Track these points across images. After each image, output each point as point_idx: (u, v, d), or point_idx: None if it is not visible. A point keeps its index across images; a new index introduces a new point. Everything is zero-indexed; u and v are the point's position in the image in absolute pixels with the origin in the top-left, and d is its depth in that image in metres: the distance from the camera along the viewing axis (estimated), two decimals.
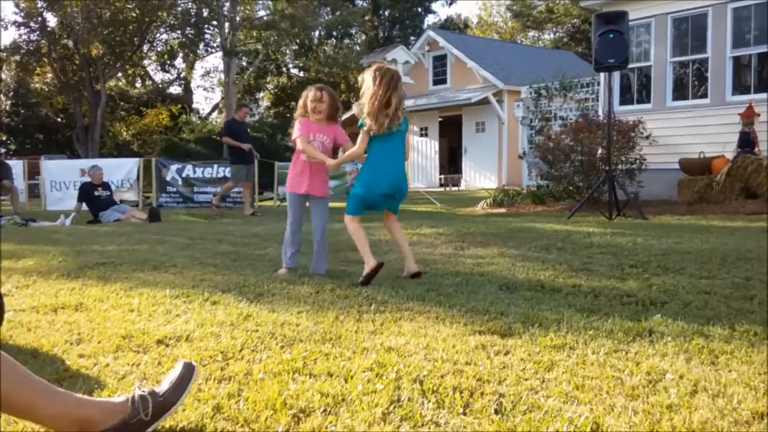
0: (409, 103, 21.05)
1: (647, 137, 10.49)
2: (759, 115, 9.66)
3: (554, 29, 41.46)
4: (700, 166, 10.11)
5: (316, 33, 34.08)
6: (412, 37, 34.50)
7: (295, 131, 4.40)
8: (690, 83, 11.11)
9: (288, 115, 36.17)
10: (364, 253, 4.05)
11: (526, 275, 4.17)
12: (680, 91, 11.15)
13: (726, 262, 4.40)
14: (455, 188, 21.43)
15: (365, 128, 4.07)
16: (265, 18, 27.81)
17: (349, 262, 4.89)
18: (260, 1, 28.84)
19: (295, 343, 2.60)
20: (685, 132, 10.67)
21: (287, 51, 33.37)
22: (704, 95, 10.73)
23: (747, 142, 9.56)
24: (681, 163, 10.38)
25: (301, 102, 4.48)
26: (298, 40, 31.25)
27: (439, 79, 23.83)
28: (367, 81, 4.08)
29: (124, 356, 2.46)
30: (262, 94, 38.01)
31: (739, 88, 10.40)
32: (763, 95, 9.88)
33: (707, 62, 10.65)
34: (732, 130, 9.82)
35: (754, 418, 1.80)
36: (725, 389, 2.00)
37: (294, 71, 36.06)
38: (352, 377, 2.16)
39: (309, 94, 4.44)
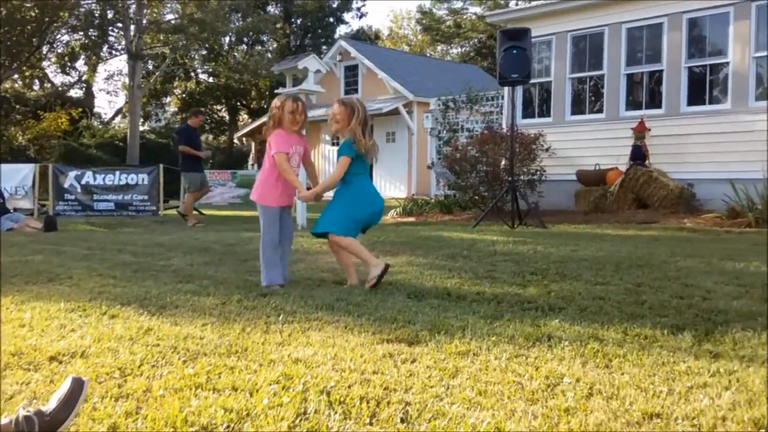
0: (320, 112, 21.03)
1: (547, 149, 10.95)
2: (650, 129, 10.30)
3: (462, 44, 42.66)
4: (595, 177, 10.66)
5: (227, 38, 33.45)
6: (324, 47, 34.51)
7: (275, 146, 4.24)
8: (587, 98, 11.71)
9: None
10: (367, 258, 4.20)
11: (434, 283, 4.24)
12: (578, 106, 11.73)
13: (619, 268, 4.65)
14: None
15: (352, 154, 4.15)
16: (173, 22, 27.03)
17: (257, 272, 4.81)
18: (168, 4, 27.98)
19: (198, 356, 2.52)
20: (582, 145, 11.23)
21: (196, 56, 32.55)
22: (600, 110, 11.33)
23: (639, 155, 10.17)
24: (578, 174, 10.90)
25: (275, 113, 4.31)
26: (207, 45, 30.55)
27: (351, 88, 23.95)
28: (341, 109, 4.18)
29: (14, 374, 2.31)
30: (168, 99, 36.86)
31: (632, 104, 11.06)
32: (654, 111, 10.54)
33: (603, 79, 11.26)
34: (625, 144, 10.42)
35: (645, 419, 1.90)
36: (618, 391, 2.11)
37: (203, 76, 35.21)
38: (257, 391, 2.12)
39: (285, 105, 4.29)
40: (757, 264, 4.78)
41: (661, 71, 10.56)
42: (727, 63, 9.85)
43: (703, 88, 10.26)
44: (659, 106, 10.58)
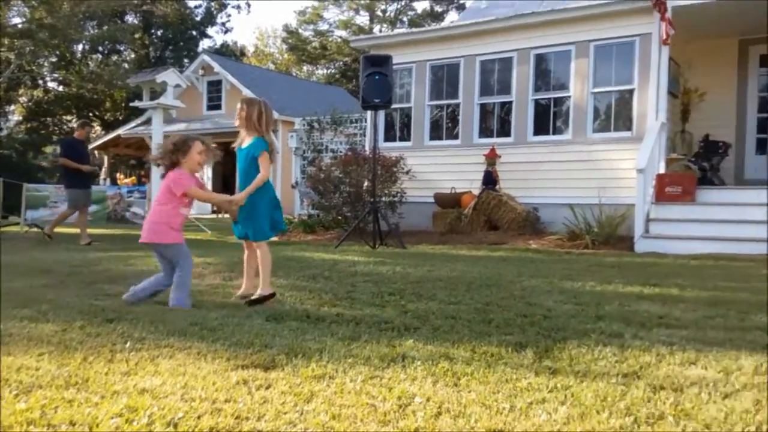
0: (181, 126, 20.33)
1: (407, 172, 11.31)
2: (500, 156, 10.94)
3: (327, 65, 43.11)
4: (451, 200, 11.15)
5: (80, 46, 31.46)
6: (186, 60, 33.44)
7: (181, 186, 4.18)
8: (444, 125, 12.24)
9: (43, 131, 32.64)
10: (267, 276, 4.39)
11: (293, 305, 4.22)
12: (436, 132, 12.23)
13: (471, 288, 4.88)
14: (227, 215, 20.97)
15: (267, 150, 4.35)
16: (20, 26, 25.02)
17: (104, 296, 4.53)
18: (15, 7, 25.85)
19: (33, 389, 2.33)
20: (440, 169, 11.71)
21: (45, 63, 30.29)
22: (456, 137, 11.88)
23: (490, 180, 10.77)
24: (436, 197, 11.35)
25: (177, 153, 4.24)
26: (57, 52, 28.55)
27: (214, 104, 23.41)
28: (251, 109, 4.40)
29: None
30: (12, 108, 33.90)
31: (485, 131, 11.70)
32: (504, 139, 11.22)
33: (459, 107, 11.84)
34: (478, 169, 10.99)
35: None
36: (465, 409, 2.20)
37: (52, 84, 32.79)
38: (97, 425, 1.99)
39: (194, 146, 4.25)
40: (593, 284, 5.20)
41: (510, 102, 11.29)
42: (569, 97, 10.72)
43: (547, 119, 11.08)
44: (509, 135, 11.28)
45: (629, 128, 10.10)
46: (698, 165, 9.83)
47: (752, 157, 11.05)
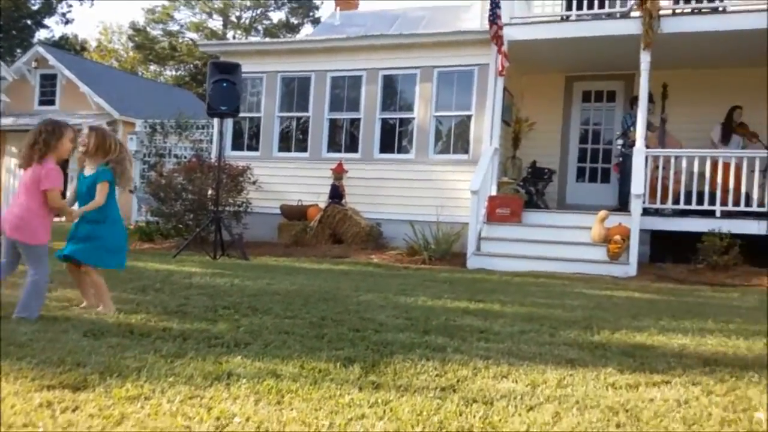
0: (8, 121, 18.55)
1: (254, 182, 11.14)
2: (347, 171, 11.12)
3: (177, 67, 41.42)
4: (298, 212, 11.14)
5: None
6: (19, 50, 30.59)
7: (52, 181, 3.96)
8: (294, 137, 12.22)
9: None
10: (107, 300, 4.28)
11: (117, 319, 3.99)
12: (285, 143, 12.18)
13: (308, 302, 4.90)
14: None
15: (111, 179, 4.25)
16: None
17: None
18: None
19: None
20: (288, 181, 11.67)
21: None
22: (305, 149, 11.91)
23: (336, 194, 10.91)
24: (282, 208, 11.28)
25: (46, 139, 3.99)
26: None
27: (47, 99, 21.58)
28: (100, 139, 4.28)
29: None
30: None
31: (333, 146, 11.83)
32: (351, 155, 11.41)
33: (309, 120, 11.88)
34: (325, 183, 11.10)
35: None
36: (284, 428, 2.20)
37: None
38: None
39: (65, 133, 4.08)
40: (425, 299, 5.43)
41: (359, 119, 11.53)
42: (414, 118, 11.15)
43: (393, 138, 11.44)
44: (356, 151, 11.51)
45: (467, 151, 10.71)
46: (526, 189, 10.62)
47: (573, 184, 12.14)
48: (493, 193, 10.06)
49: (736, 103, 10.18)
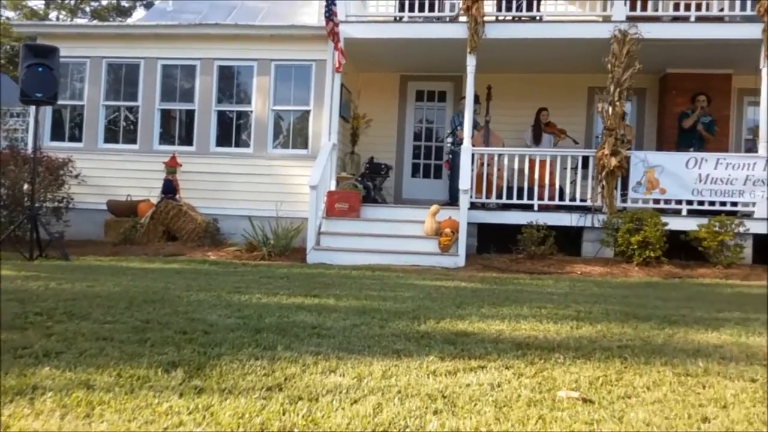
0: None
1: (77, 176, 10.35)
2: (181, 165, 10.67)
3: None
4: (127, 208, 10.51)
5: None
6: None
7: None
8: (122, 128, 11.50)
9: None
10: None
11: None
12: (112, 135, 11.42)
13: (132, 305, 4.63)
14: None
15: None
16: None
17: None
18: None
19: None
20: (115, 174, 10.97)
21: None
22: (134, 141, 11.25)
23: (170, 188, 10.43)
24: (109, 204, 10.59)
25: None
26: None
27: None
28: None
29: None
30: None
31: (166, 138, 11.30)
32: (186, 148, 10.96)
33: (138, 110, 11.23)
34: (158, 177, 10.58)
35: None
36: None
37: None
38: None
39: None
40: (260, 296, 5.35)
41: (193, 111, 11.10)
42: (251, 111, 10.94)
43: (230, 131, 11.15)
44: (191, 144, 11.08)
45: (306, 146, 10.72)
46: (364, 184, 10.84)
47: (409, 180, 12.59)
48: (333, 188, 10.16)
49: (551, 105, 11.12)
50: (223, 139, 11.09)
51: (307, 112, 10.72)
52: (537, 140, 10.93)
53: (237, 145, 11.10)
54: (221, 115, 11.14)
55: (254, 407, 2.45)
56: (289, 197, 10.27)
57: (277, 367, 3.06)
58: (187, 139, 11.20)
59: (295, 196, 10.19)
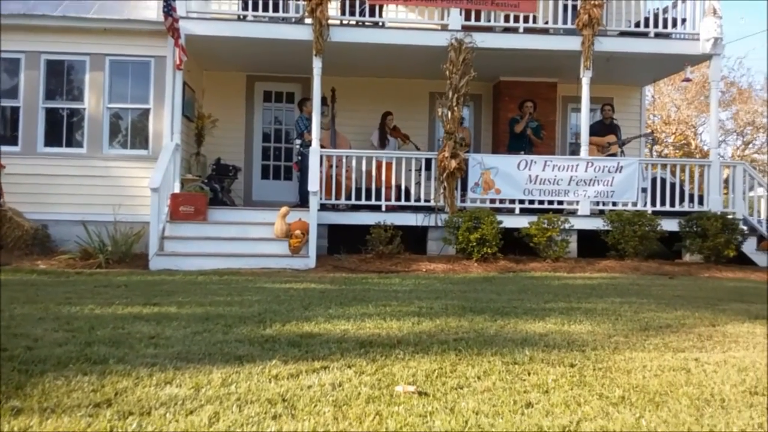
0: None
1: None
2: (5, 167, 9.75)
3: None
4: None
5: None
6: None
7: None
8: None
9: None
10: None
11: None
12: None
13: None
14: None
15: None
16: None
17: None
18: None
19: None
20: None
21: None
22: None
23: None
24: None
25: None
26: None
27: None
28: None
29: None
30: None
31: None
32: (10, 148, 10.01)
33: None
34: None
35: None
36: None
37: None
38: None
39: None
40: (92, 307, 5.03)
41: (18, 108, 10.18)
42: (85, 109, 10.23)
43: (61, 130, 10.35)
44: (16, 144, 10.15)
45: (146, 147, 10.22)
46: (211, 186, 10.54)
47: (258, 181, 12.42)
48: (177, 190, 9.76)
49: (395, 109, 11.47)
50: (52, 139, 10.26)
51: (147, 110, 10.21)
52: (383, 143, 11.23)
53: (69, 144, 10.32)
54: (51, 112, 10.31)
55: (78, 426, 2.30)
56: (129, 200, 9.72)
57: (107, 382, 2.90)
58: (12, 139, 10.23)
59: (136, 199, 9.67)
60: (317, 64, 9.78)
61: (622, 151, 11.28)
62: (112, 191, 9.87)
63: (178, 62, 9.47)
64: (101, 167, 10.07)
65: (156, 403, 2.61)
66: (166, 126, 9.92)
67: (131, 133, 10.39)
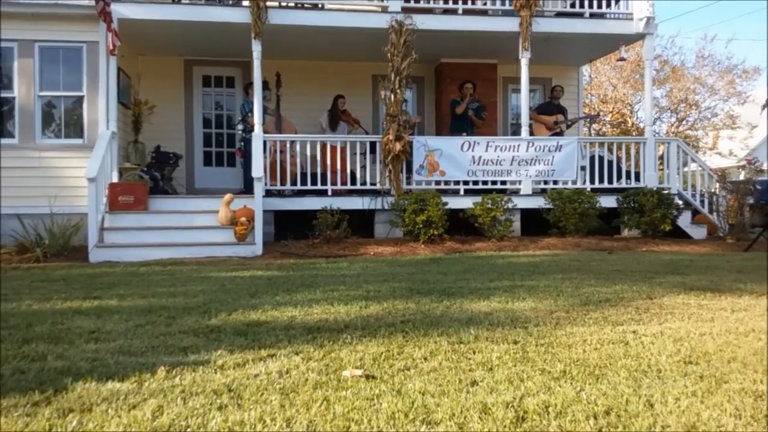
0: None
1: None
2: None
3: None
4: None
5: None
6: None
7: None
8: None
9: None
10: None
11: None
12: None
13: None
14: None
15: None
16: None
17: None
18: None
19: None
20: None
21: None
22: None
23: None
24: None
25: None
26: None
27: None
28: None
29: None
30: None
31: None
32: None
33: None
34: None
35: None
36: None
37: None
38: None
39: None
40: (30, 302, 4.87)
41: None
42: (15, 98, 9.79)
43: None
44: None
45: (81, 135, 9.87)
46: (151, 175, 10.27)
47: (201, 168, 12.18)
48: (115, 179, 9.49)
49: (340, 92, 11.39)
50: None
51: (81, 98, 9.84)
52: (333, 126, 11.14)
53: (0, 135, 9.88)
54: None
55: (15, 426, 2.24)
56: (65, 191, 9.40)
57: (45, 380, 2.82)
58: None
59: (72, 190, 9.35)
60: (257, 48, 9.61)
61: (562, 131, 11.54)
62: (48, 182, 9.51)
63: (111, 47, 9.15)
64: (35, 158, 9.69)
65: (97, 399, 2.55)
66: (101, 113, 9.60)
67: (65, 121, 10.01)
